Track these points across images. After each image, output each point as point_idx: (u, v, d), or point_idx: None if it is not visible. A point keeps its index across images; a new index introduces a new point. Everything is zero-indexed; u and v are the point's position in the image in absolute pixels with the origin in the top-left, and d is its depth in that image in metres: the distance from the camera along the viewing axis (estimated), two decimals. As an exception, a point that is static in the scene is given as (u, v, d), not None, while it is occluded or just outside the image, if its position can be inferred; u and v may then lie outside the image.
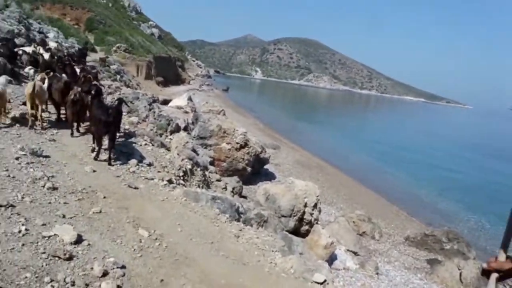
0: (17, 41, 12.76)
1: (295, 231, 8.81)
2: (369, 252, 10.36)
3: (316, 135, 32.24)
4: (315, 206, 9.32)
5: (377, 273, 8.78)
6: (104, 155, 6.42)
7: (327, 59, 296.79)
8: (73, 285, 2.96)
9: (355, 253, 9.73)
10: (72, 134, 7.30)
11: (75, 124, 7.51)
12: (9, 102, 7.39)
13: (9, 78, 7.59)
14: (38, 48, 11.92)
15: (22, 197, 4.08)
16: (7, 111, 7.12)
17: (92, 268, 3.23)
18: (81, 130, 7.72)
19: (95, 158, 6.24)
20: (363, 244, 10.73)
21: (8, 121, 6.81)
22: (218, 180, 10.00)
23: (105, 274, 3.21)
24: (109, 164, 6.20)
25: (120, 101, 7.62)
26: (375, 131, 43.14)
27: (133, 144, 7.76)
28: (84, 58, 15.19)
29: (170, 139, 9.64)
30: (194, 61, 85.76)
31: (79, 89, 7.46)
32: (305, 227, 9.21)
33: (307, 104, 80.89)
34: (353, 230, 10.83)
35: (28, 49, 11.14)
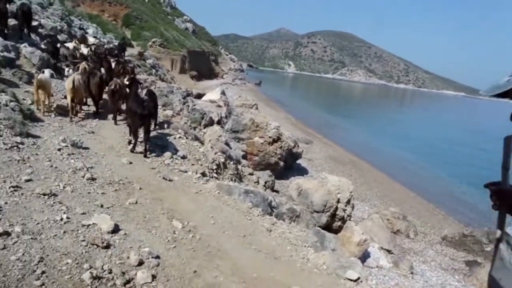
0: (59, 37, 13.26)
1: (327, 227, 8.70)
2: (403, 251, 10.09)
3: (349, 130, 31.65)
4: (348, 202, 9.17)
5: (412, 273, 8.53)
6: (140, 148, 6.58)
7: (362, 53, 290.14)
8: (110, 272, 3.04)
9: (389, 251, 9.50)
10: (115, 122, 7.95)
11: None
12: (52, 95, 7.71)
13: (52, 72, 7.90)
14: (78, 44, 12.35)
15: (64, 187, 4.24)
16: (50, 104, 7.44)
17: (128, 257, 3.32)
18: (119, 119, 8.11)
19: (132, 150, 6.41)
20: (397, 242, 10.46)
21: (52, 115, 7.11)
22: (251, 174, 10.02)
23: (140, 263, 3.29)
24: (145, 156, 6.35)
25: (150, 92, 7.83)
26: (412, 127, 41.82)
27: (168, 137, 7.91)
28: (123, 52, 16.02)
29: (204, 132, 9.74)
30: (227, 55, 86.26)
31: (119, 80, 7.95)
32: (337, 223, 9.09)
33: (341, 99, 79.54)
34: (387, 228, 10.58)
35: (70, 45, 11.56)
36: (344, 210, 9.07)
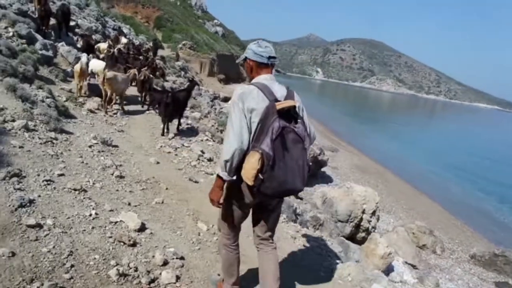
0: (94, 37, 13.66)
1: (351, 238, 8.53)
2: (429, 266, 9.79)
3: (376, 140, 31.12)
4: (373, 213, 8.97)
5: (438, 290, 8.26)
6: (167, 148, 6.69)
7: (392, 62, 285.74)
8: (135, 270, 3.07)
9: (414, 266, 9.24)
10: (142, 105, 9.38)
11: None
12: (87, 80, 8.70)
13: (88, 57, 8.70)
14: (112, 43, 12.69)
15: (93, 183, 4.33)
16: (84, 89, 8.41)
17: (153, 256, 3.34)
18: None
19: (162, 134, 7.59)
20: (423, 257, 10.16)
21: (84, 112, 7.32)
22: (275, 180, 9.98)
23: (165, 263, 3.30)
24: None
25: (193, 83, 8.88)
26: (441, 139, 40.71)
27: (195, 139, 7.98)
28: (156, 51, 17.45)
29: (230, 135, 9.77)
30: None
31: (147, 71, 9.42)
32: (361, 234, 8.90)
33: (368, 108, 78.43)
34: (413, 242, 10.30)
35: (104, 45, 11.88)
36: (369, 221, 8.88)
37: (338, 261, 4.66)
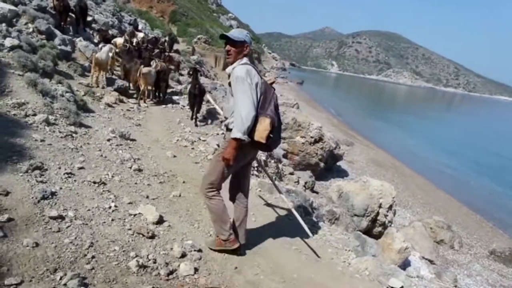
0: (110, 32, 13.80)
1: (367, 232, 8.47)
2: (446, 262, 9.65)
3: (392, 133, 30.70)
4: (390, 207, 8.88)
5: (456, 286, 8.13)
6: (184, 142, 6.78)
7: (409, 54, 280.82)
8: (154, 262, 3.11)
9: (431, 262, 9.14)
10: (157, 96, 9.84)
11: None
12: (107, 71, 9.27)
13: (111, 47, 9.23)
14: (129, 38, 12.81)
15: (112, 176, 4.40)
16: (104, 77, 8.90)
17: (171, 249, 3.38)
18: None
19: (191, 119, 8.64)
20: (440, 253, 10.02)
21: (102, 106, 7.42)
22: (291, 174, 9.96)
23: (183, 255, 3.34)
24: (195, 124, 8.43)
25: (195, 72, 8.94)
26: (460, 133, 39.91)
27: (211, 132, 8.02)
28: (173, 45, 18.30)
29: (246, 129, 9.79)
30: (270, 53, 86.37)
31: (162, 62, 9.96)
32: (378, 229, 8.83)
33: (384, 101, 77.39)
34: (430, 237, 10.16)
35: (120, 40, 12.00)
36: (386, 216, 8.80)
37: (355, 255, 4.64)
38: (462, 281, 8.60)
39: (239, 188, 3.57)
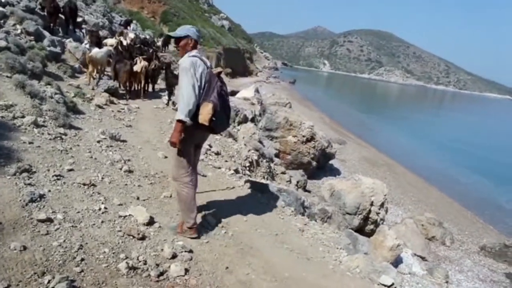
0: (101, 33, 13.70)
1: (360, 230, 8.52)
2: (438, 258, 9.74)
3: (384, 131, 30.90)
4: (382, 205, 8.94)
5: (447, 282, 8.20)
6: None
7: (400, 52, 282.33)
8: (145, 263, 3.10)
9: (423, 258, 9.21)
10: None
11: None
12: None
13: (109, 50, 9.89)
14: (119, 38, 12.76)
15: (102, 178, 4.37)
16: (101, 76, 9.34)
17: (162, 250, 3.37)
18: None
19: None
20: (432, 249, 10.12)
21: (92, 107, 7.37)
22: (283, 173, 9.97)
23: (174, 256, 3.34)
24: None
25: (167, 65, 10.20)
26: (450, 130, 40.25)
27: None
28: (167, 46, 20.11)
29: (238, 129, 9.79)
30: (262, 53, 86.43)
31: (157, 62, 10.58)
32: (370, 227, 8.88)
33: (376, 99, 77.80)
34: (422, 234, 10.25)
35: (112, 41, 11.92)
36: (378, 214, 8.85)
37: (346, 253, 4.66)
38: (453, 276, 8.68)
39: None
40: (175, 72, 9.88)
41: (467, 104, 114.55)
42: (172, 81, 9.69)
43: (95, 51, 8.98)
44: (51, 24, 10.44)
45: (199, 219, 4.19)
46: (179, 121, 3.34)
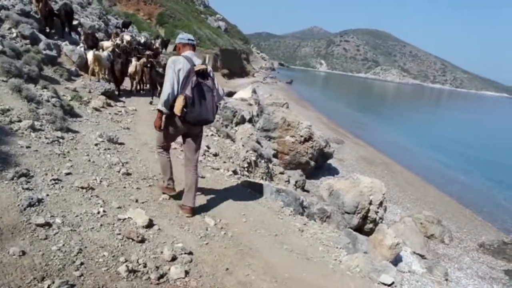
0: (97, 35, 13.68)
1: (359, 229, 8.54)
2: (437, 256, 9.77)
3: (381, 130, 30.99)
4: (380, 204, 8.97)
5: (447, 280, 8.24)
6: (173, 144, 6.72)
7: (397, 51, 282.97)
8: (145, 266, 3.09)
9: (422, 256, 9.24)
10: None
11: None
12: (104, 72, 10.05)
13: (109, 54, 10.13)
14: (116, 40, 12.77)
15: (100, 181, 4.36)
16: (102, 76, 9.82)
17: (162, 252, 3.36)
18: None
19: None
20: (431, 247, 10.15)
21: (89, 110, 7.35)
22: (281, 173, 9.99)
23: (173, 258, 3.33)
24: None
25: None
26: (447, 129, 40.36)
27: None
28: (165, 47, 21.03)
29: (235, 130, 9.79)
30: (258, 53, 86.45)
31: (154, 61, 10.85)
32: (369, 226, 8.91)
33: (373, 99, 77.97)
34: (420, 232, 10.28)
35: (108, 43, 11.91)
36: (376, 212, 8.88)
37: (346, 252, 4.67)
38: (453, 274, 8.71)
39: (186, 158, 4.43)
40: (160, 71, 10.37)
41: (464, 103, 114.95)
42: (155, 79, 10.11)
43: (98, 52, 9.52)
44: (47, 28, 10.42)
45: (198, 220, 4.20)
46: (158, 110, 4.00)
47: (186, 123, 4.05)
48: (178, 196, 4.56)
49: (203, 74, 4.00)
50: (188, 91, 3.87)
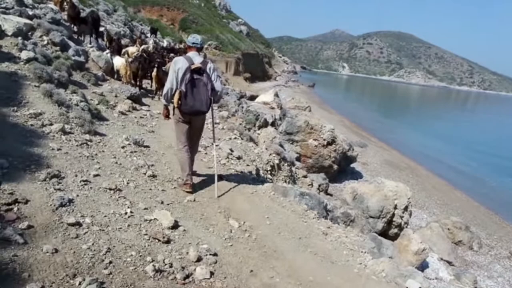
0: (122, 41, 14.02)
1: (383, 234, 8.40)
2: (465, 263, 9.49)
3: (406, 134, 30.38)
4: (405, 208, 8.79)
5: None
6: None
7: (422, 53, 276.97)
8: (170, 266, 3.14)
9: (450, 263, 8.99)
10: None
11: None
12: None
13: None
14: (143, 46, 13.08)
15: (127, 183, 4.46)
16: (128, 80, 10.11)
17: (187, 253, 3.41)
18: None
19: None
20: (459, 254, 9.86)
21: (115, 114, 7.52)
22: (304, 177, 9.94)
23: (199, 259, 3.37)
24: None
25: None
26: (475, 132, 39.21)
27: (224, 137, 8.06)
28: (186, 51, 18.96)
29: (258, 133, 9.82)
30: (280, 57, 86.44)
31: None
32: (393, 230, 8.74)
33: (397, 102, 76.59)
34: (448, 238, 10.01)
35: (133, 49, 12.18)
36: (401, 217, 8.71)
37: (371, 257, 4.60)
38: (482, 282, 8.45)
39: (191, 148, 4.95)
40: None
41: (493, 105, 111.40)
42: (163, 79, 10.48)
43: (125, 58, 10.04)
44: (75, 28, 10.97)
45: (222, 222, 4.24)
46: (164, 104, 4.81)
47: (185, 114, 4.66)
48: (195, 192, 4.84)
49: (198, 71, 4.54)
50: (183, 87, 4.47)
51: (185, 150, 4.81)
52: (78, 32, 11.21)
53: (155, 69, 10.24)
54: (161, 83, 10.30)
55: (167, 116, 4.86)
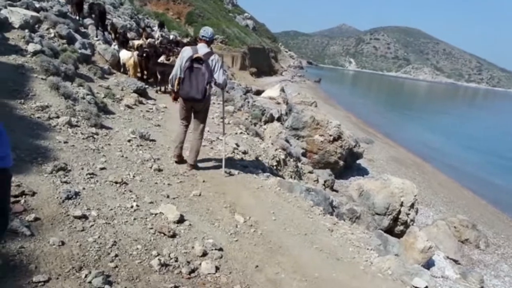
0: (128, 35, 14.01)
1: (389, 231, 8.35)
2: (472, 262, 9.41)
3: (413, 130, 30.16)
4: (412, 206, 8.74)
5: (482, 287, 7.92)
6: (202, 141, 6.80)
7: (429, 49, 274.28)
8: (176, 260, 3.14)
9: (456, 261, 8.93)
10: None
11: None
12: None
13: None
14: (145, 39, 13.11)
15: (133, 176, 4.46)
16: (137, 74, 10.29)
17: (193, 247, 3.40)
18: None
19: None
20: (465, 252, 9.78)
21: (122, 107, 7.53)
22: (310, 172, 9.90)
23: (204, 254, 3.36)
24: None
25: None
26: (483, 129, 38.85)
27: (230, 132, 8.03)
28: (194, 44, 19.22)
29: (264, 128, 9.79)
30: (286, 52, 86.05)
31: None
32: (399, 228, 8.70)
33: (404, 98, 76.02)
34: (454, 236, 9.93)
35: (137, 42, 12.19)
36: (408, 214, 8.66)
37: (377, 254, 4.57)
38: (489, 281, 8.37)
39: (193, 128, 5.42)
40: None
41: (502, 102, 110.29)
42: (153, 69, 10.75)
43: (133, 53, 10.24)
44: (77, 15, 11.10)
45: (228, 217, 4.23)
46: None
47: (184, 99, 5.09)
48: (183, 162, 5.44)
49: (199, 61, 4.86)
50: (182, 74, 4.90)
51: (183, 125, 5.35)
52: (79, 13, 11.52)
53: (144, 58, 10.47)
54: (149, 72, 10.85)
55: (175, 99, 5.35)
